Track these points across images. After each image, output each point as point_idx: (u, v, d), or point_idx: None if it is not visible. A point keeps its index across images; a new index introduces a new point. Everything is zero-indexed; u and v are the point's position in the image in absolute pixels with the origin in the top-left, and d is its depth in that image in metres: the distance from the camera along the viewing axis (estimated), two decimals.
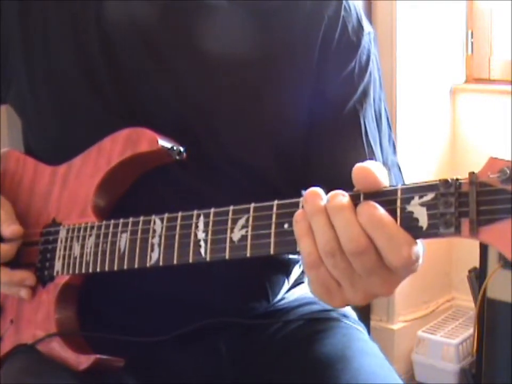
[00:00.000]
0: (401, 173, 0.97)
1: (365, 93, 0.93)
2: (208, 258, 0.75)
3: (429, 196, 0.63)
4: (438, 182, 0.63)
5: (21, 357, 0.94)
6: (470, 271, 2.51)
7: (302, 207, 0.67)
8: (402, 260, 0.63)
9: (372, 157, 0.92)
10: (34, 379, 0.89)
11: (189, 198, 0.90)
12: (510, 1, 2.63)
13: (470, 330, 2.51)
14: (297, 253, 0.68)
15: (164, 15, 0.91)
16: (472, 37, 2.82)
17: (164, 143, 0.87)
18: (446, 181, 0.62)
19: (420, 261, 0.66)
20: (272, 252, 0.70)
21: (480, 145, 2.81)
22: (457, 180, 0.62)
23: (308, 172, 0.93)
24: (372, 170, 0.64)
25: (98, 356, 0.87)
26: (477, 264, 2.44)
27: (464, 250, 2.84)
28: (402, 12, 2.49)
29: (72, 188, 0.92)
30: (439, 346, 2.51)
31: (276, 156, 0.93)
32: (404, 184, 0.65)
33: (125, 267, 0.83)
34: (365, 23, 0.95)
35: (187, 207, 0.84)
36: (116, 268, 0.84)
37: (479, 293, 2.40)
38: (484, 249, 2.40)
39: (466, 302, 2.77)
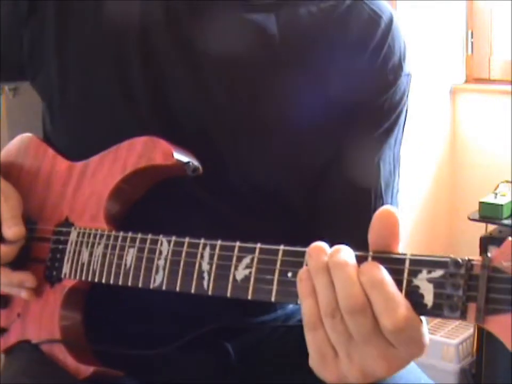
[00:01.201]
0: None
1: (388, 133, 0.91)
2: (210, 292, 0.74)
3: (438, 273, 0.60)
4: (448, 259, 0.59)
5: (22, 356, 0.94)
6: None
7: (307, 264, 0.64)
8: (396, 323, 0.58)
9: (380, 200, 0.90)
10: (32, 380, 0.89)
11: (203, 212, 0.90)
12: (510, 1, 2.63)
13: (470, 330, 2.51)
14: (298, 304, 0.66)
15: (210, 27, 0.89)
16: (472, 37, 2.82)
17: (180, 156, 0.84)
18: (456, 261, 0.59)
19: (425, 341, 0.61)
20: (273, 299, 0.68)
21: (480, 145, 2.81)
22: (469, 260, 0.59)
23: (321, 196, 0.92)
24: (396, 216, 0.62)
25: (97, 368, 0.87)
26: None
27: (464, 250, 2.84)
28: (402, 12, 2.49)
29: (87, 189, 0.90)
30: (439, 346, 2.51)
31: (299, 180, 0.91)
32: (413, 255, 0.61)
33: (129, 284, 0.82)
34: (407, 63, 0.93)
35: (202, 221, 0.84)
36: (120, 283, 0.83)
37: None
38: (483, 249, 2.39)
39: None
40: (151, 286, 0.80)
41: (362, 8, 0.89)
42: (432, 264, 0.60)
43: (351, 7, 0.89)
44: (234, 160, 0.90)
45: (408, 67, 0.92)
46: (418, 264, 0.61)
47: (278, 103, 0.89)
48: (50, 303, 0.91)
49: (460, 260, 0.59)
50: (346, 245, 0.90)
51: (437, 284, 0.60)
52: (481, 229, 2.45)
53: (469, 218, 2.42)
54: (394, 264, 0.61)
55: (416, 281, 0.61)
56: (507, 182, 2.47)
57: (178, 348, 0.90)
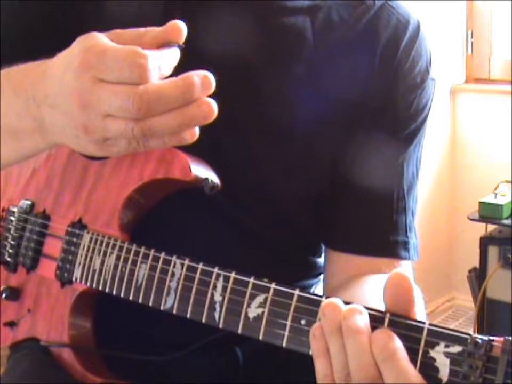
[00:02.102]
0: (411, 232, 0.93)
1: (413, 135, 0.92)
2: (221, 325, 0.73)
3: (456, 349, 0.58)
4: (468, 337, 0.58)
5: (30, 356, 0.93)
6: (470, 271, 2.51)
7: (319, 319, 0.64)
8: None
9: (403, 202, 0.90)
10: (41, 380, 0.89)
11: (217, 221, 0.89)
12: (510, 1, 2.63)
13: (470, 331, 2.51)
14: (309, 353, 0.66)
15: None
16: (472, 37, 2.82)
17: (198, 171, 0.81)
18: (476, 341, 0.57)
19: None
20: (284, 344, 0.67)
21: (480, 145, 2.82)
22: (489, 341, 0.57)
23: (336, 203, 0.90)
24: (409, 281, 0.60)
25: (104, 380, 0.87)
26: (477, 264, 2.44)
27: (464, 250, 2.84)
28: None
29: (102, 193, 0.89)
30: None
31: (320, 179, 0.91)
32: (432, 325, 0.60)
33: (140, 301, 0.81)
34: (432, 68, 0.94)
35: (214, 229, 0.85)
36: (131, 298, 0.82)
37: (479, 293, 2.40)
38: (483, 249, 2.40)
39: (466, 302, 2.77)
40: (162, 308, 0.79)
41: (391, 13, 0.90)
42: (451, 339, 0.59)
43: (380, 12, 0.90)
44: (254, 167, 0.89)
45: (433, 72, 0.93)
46: (437, 336, 0.60)
47: (309, 106, 0.88)
48: (60, 304, 0.91)
49: (480, 340, 0.58)
50: (366, 245, 0.90)
51: (454, 360, 0.58)
52: (481, 229, 2.45)
53: (469, 218, 2.42)
54: (411, 332, 0.60)
55: (433, 353, 0.59)
56: (507, 182, 2.47)
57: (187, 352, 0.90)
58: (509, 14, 2.65)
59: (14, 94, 0.73)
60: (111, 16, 0.90)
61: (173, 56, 0.66)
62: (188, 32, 0.89)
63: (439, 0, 2.64)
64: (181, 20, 0.89)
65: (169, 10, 0.89)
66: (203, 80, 0.64)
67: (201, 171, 0.82)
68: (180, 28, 0.66)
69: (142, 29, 0.66)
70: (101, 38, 0.63)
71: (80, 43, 0.64)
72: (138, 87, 0.61)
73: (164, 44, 0.66)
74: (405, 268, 0.88)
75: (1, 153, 0.77)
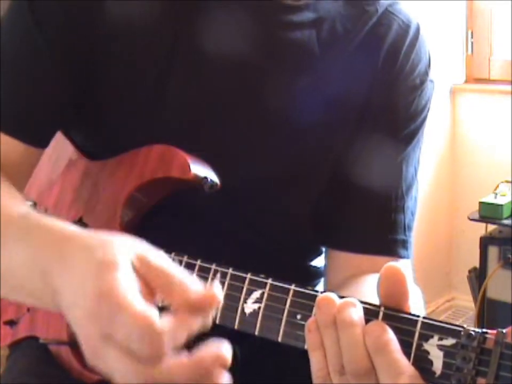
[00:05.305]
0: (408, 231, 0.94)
1: (413, 135, 0.93)
2: (217, 321, 0.73)
3: (449, 341, 0.59)
4: (462, 329, 0.58)
5: (29, 355, 0.94)
6: (470, 271, 2.51)
7: (315, 313, 0.64)
8: None
9: (402, 201, 0.91)
10: (39, 380, 0.89)
11: (217, 228, 0.89)
12: (510, 1, 2.63)
13: None
14: (304, 348, 0.66)
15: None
16: (472, 37, 2.82)
17: (197, 170, 0.82)
18: (469, 333, 0.58)
19: None
20: (280, 339, 0.68)
21: (480, 145, 2.82)
22: (482, 333, 0.57)
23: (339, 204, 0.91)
24: (402, 273, 0.61)
25: (101, 377, 0.87)
26: (477, 264, 2.44)
27: (464, 250, 2.84)
28: None
29: (102, 192, 0.89)
30: None
31: (318, 180, 0.91)
32: (426, 318, 0.60)
33: None
34: (431, 70, 0.95)
35: (214, 236, 0.85)
36: None
37: (479, 293, 2.40)
38: (483, 249, 2.40)
39: (466, 302, 2.77)
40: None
41: (392, 19, 0.92)
42: (444, 332, 0.59)
43: (382, 18, 0.91)
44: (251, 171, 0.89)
45: (432, 74, 0.95)
46: (430, 329, 0.60)
47: (313, 112, 0.89)
48: None
49: (473, 332, 0.58)
50: (366, 243, 0.90)
51: (447, 353, 0.59)
52: (481, 229, 2.45)
53: (469, 218, 2.42)
54: (405, 325, 0.61)
55: (426, 346, 0.60)
56: (507, 182, 2.48)
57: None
58: (509, 14, 2.66)
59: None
60: (113, 17, 0.89)
61: (194, 326, 0.62)
62: (194, 41, 0.89)
63: (439, 0, 2.64)
64: (187, 25, 0.88)
65: (175, 23, 0.88)
66: (219, 359, 0.62)
67: (201, 170, 0.82)
68: (217, 300, 0.61)
69: (173, 274, 0.62)
70: (120, 279, 0.58)
71: (97, 277, 0.58)
72: (148, 366, 0.57)
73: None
74: (404, 266, 0.89)
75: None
